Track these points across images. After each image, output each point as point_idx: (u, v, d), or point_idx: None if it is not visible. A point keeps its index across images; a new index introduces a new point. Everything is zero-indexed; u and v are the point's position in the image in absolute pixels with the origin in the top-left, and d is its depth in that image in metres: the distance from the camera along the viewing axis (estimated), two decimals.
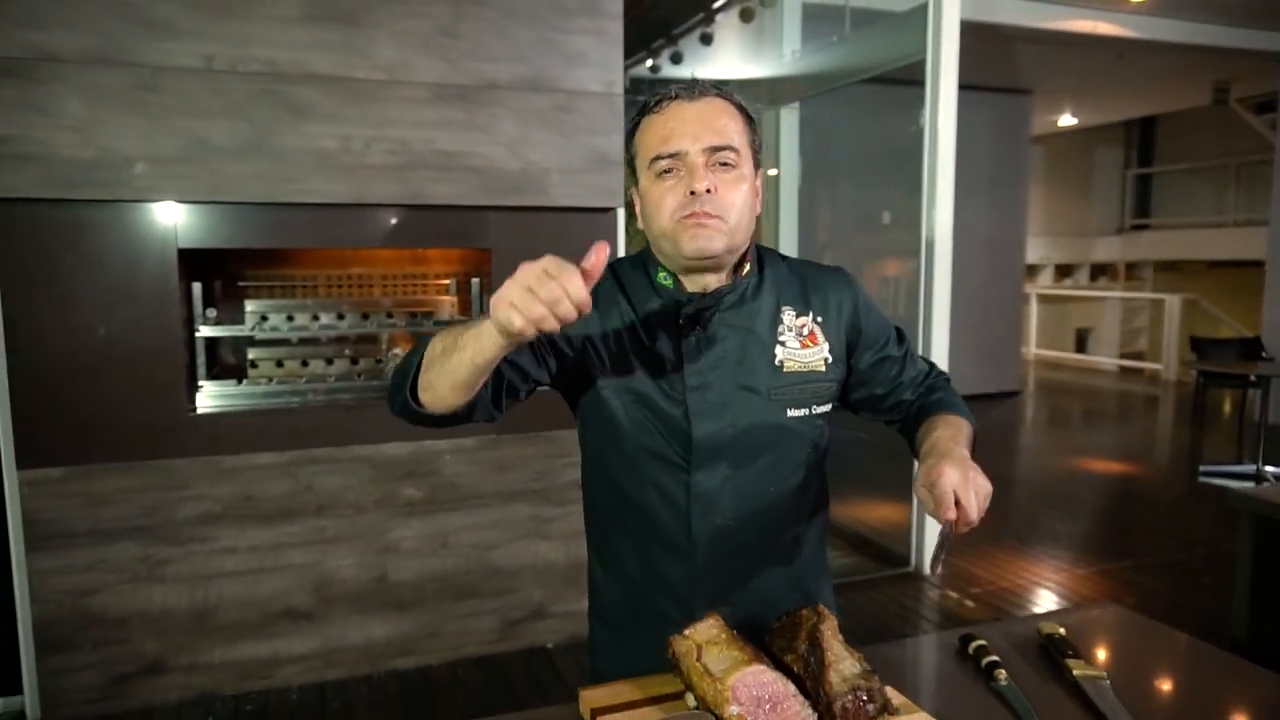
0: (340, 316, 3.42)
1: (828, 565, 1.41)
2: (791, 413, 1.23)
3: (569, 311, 0.92)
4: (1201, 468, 6.08)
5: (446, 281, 3.64)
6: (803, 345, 1.24)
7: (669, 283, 1.23)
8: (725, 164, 1.15)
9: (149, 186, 2.77)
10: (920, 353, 4.16)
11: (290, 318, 3.37)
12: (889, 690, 1.08)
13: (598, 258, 0.94)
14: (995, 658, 1.23)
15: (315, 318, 3.39)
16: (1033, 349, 11.99)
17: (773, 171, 5.53)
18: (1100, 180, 12.81)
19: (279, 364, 3.46)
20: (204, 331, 3.06)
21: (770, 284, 1.26)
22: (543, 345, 1.23)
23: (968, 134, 4.01)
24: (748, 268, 1.24)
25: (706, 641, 1.08)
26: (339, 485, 3.09)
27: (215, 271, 3.28)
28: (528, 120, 3.13)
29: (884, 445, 4.67)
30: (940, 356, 4.17)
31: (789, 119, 5.41)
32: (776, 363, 1.22)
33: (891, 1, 4.54)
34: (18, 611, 2.81)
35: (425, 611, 3.23)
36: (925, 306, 4.16)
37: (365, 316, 3.46)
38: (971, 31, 5.25)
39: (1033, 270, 12.20)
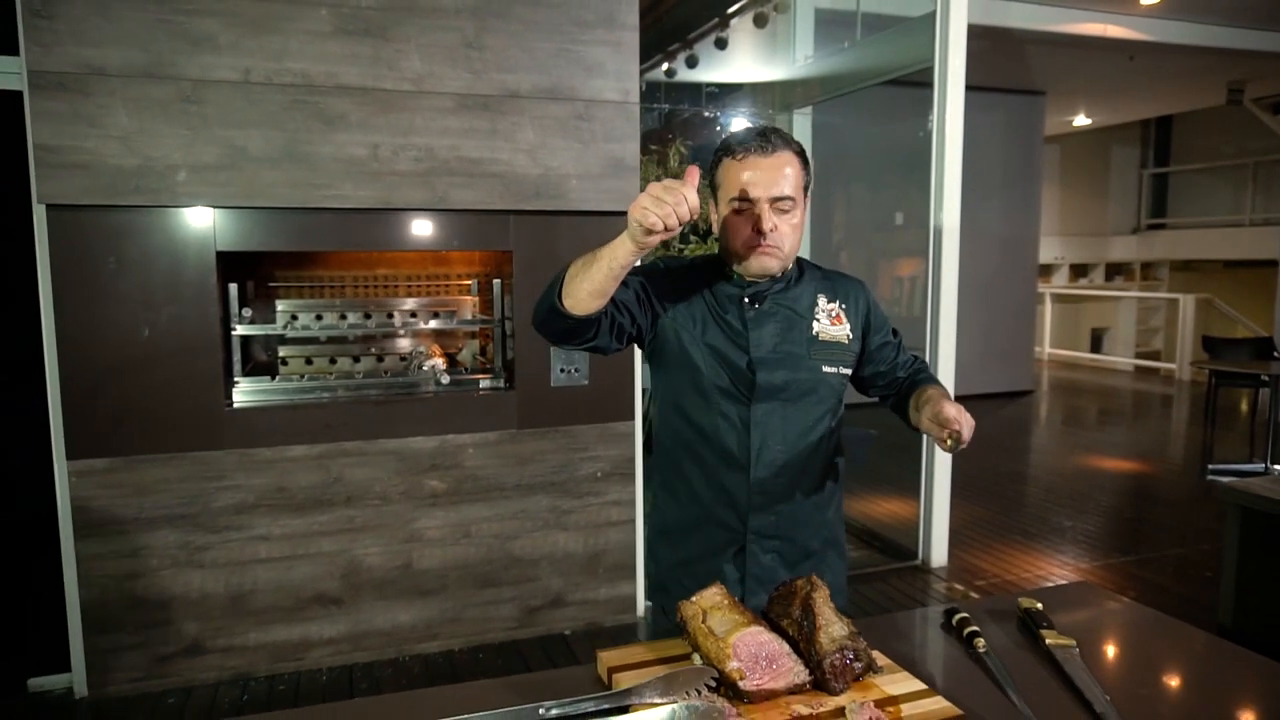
0: (367, 316, 3.57)
1: (843, 535, 1.76)
2: (826, 369, 1.63)
3: (685, 213, 1.27)
4: (1210, 466, 6.14)
5: (469, 282, 3.79)
6: (832, 323, 1.65)
7: (737, 275, 1.63)
8: (784, 210, 1.53)
9: (190, 193, 2.93)
10: (927, 349, 4.26)
11: (319, 317, 3.53)
12: (875, 653, 1.21)
13: (692, 178, 1.29)
14: (975, 628, 1.36)
15: (343, 317, 3.54)
16: (1046, 348, 12.02)
17: None
18: (1116, 180, 12.81)
19: (308, 361, 3.62)
20: (239, 330, 3.22)
21: (808, 280, 1.68)
22: (648, 300, 1.61)
23: (981, 135, 4.11)
24: (789, 267, 1.63)
25: (711, 607, 1.21)
26: (367, 477, 3.24)
27: (249, 273, 3.44)
28: (547, 128, 3.27)
29: (894, 443, 4.78)
30: (947, 355, 4.28)
31: (801, 123, 5.51)
32: (814, 333, 1.63)
33: (903, 6, 4.64)
34: (66, 594, 2.97)
35: (448, 598, 3.38)
36: (933, 305, 4.27)
37: (390, 316, 3.61)
38: (983, 34, 5.35)
39: (1047, 270, 12.22)
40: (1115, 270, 13.13)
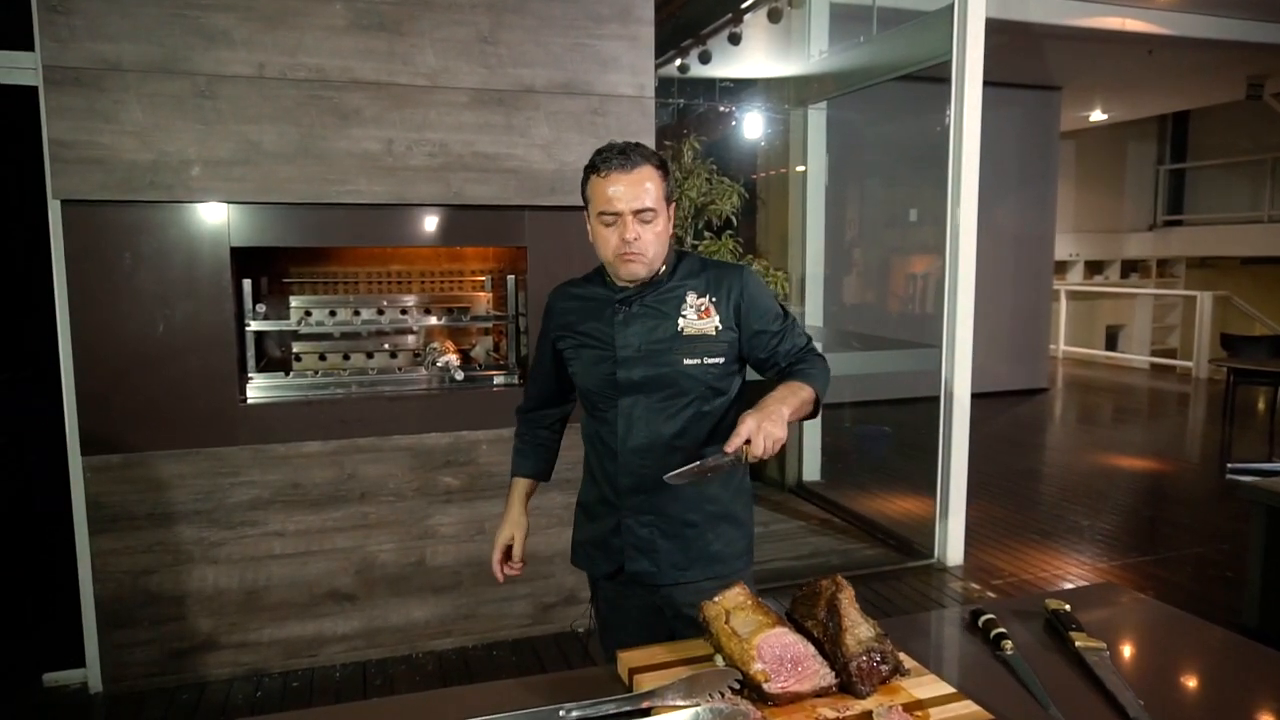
0: (380, 312, 3.57)
1: (740, 508, 1.87)
2: (687, 361, 1.74)
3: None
4: (1229, 465, 6.08)
5: (482, 278, 3.77)
6: (699, 316, 1.75)
7: (609, 281, 1.79)
8: (646, 220, 1.67)
9: (204, 188, 2.92)
10: (944, 346, 4.21)
11: (333, 313, 3.52)
12: (902, 655, 1.18)
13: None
14: (1002, 630, 1.33)
15: (356, 313, 3.54)
16: (1061, 346, 11.93)
17: (799, 169, 5.60)
18: (1132, 176, 12.70)
19: (322, 357, 3.61)
20: (253, 326, 3.21)
21: (680, 278, 1.78)
22: (556, 359, 1.90)
23: (996, 131, 4.07)
24: (662, 269, 1.76)
25: (734, 607, 1.19)
26: (381, 473, 3.23)
27: (263, 269, 3.43)
28: (562, 123, 3.25)
29: (909, 441, 4.74)
30: (964, 352, 4.24)
31: (816, 118, 5.48)
32: (679, 328, 1.74)
33: (918, 0, 4.60)
34: (81, 589, 2.98)
35: (462, 595, 3.37)
36: (949, 303, 4.23)
37: (404, 312, 3.60)
38: (1000, 29, 5.29)
39: (1062, 267, 12.13)
40: (1131, 267, 13.02)
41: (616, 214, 1.65)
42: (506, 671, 3.21)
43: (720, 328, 1.76)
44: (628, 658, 1.24)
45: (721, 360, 1.76)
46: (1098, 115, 10.81)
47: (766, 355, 1.79)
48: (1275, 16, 6.57)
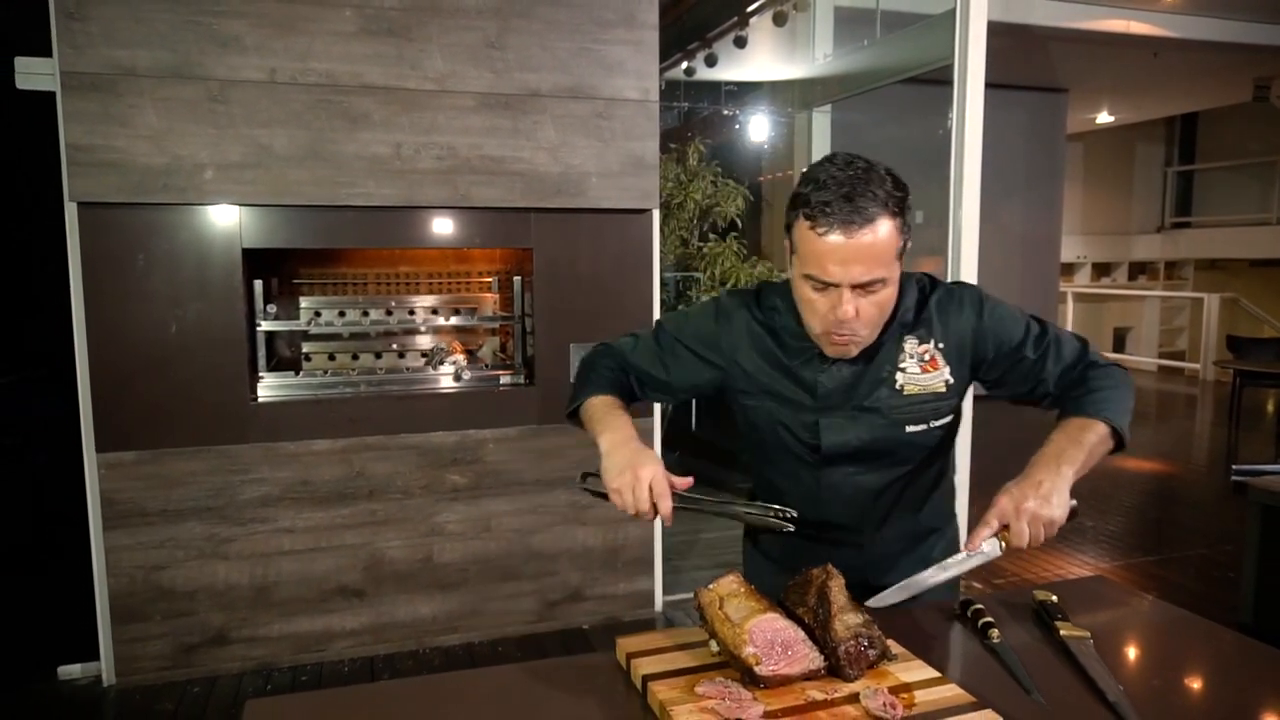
0: (388, 313, 3.62)
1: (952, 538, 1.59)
2: (910, 429, 1.41)
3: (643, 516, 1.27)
4: (1235, 467, 6.08)
5: (489, 279, 3.82)
6: (923, 370, 1.40)
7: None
8: (871, 292, 1.29)
9: (217, 191, 2.98)
10: None
11: (342, 313, 3.58)
12: (890, 642, 1.22)
13: (668, 500, 1.27)
14: (990, 619, 1.37)
15: (365, 314, 3.59)
16: None
17: (804, 171, 5.63)
18: (1140, 178, 12.69)
19: (331, 357, 3.67)
20: (264, 326, 3.27)
21: (898, 320, 1.40)
22: (698, 361, 1.51)
23: (1003, 133, 4.10)
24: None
25: (728, 594, 1.23)
26: (389, 471, 3.28)
27: (273, 270, 3.49)
28: (568, 126, 3.29)
29: None
30: None
31: (821, 121, 5.52)
32: (897, 386, 1.40)
33: (923, 3, 4.63)
34: (95, 584, 3.03)
35: (468, 592, 3.42)
36: None
37: (412, 313, 3.66)
38: (1006, 32, 5.32)
39: (1069, 269, 12.12)
40: (1138, 269, 13.01)
41: (831, 284, 1.28)
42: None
43: (952, 381, 1.41)
44: (626, 643, 1.28)
45: (951, 418, 1.44)
46: (1105, 117, 10.82)
47: (1030, 387, 1.43)
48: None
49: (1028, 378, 1.43)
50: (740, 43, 5.78)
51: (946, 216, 4.29)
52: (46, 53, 2.83)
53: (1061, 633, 1.33)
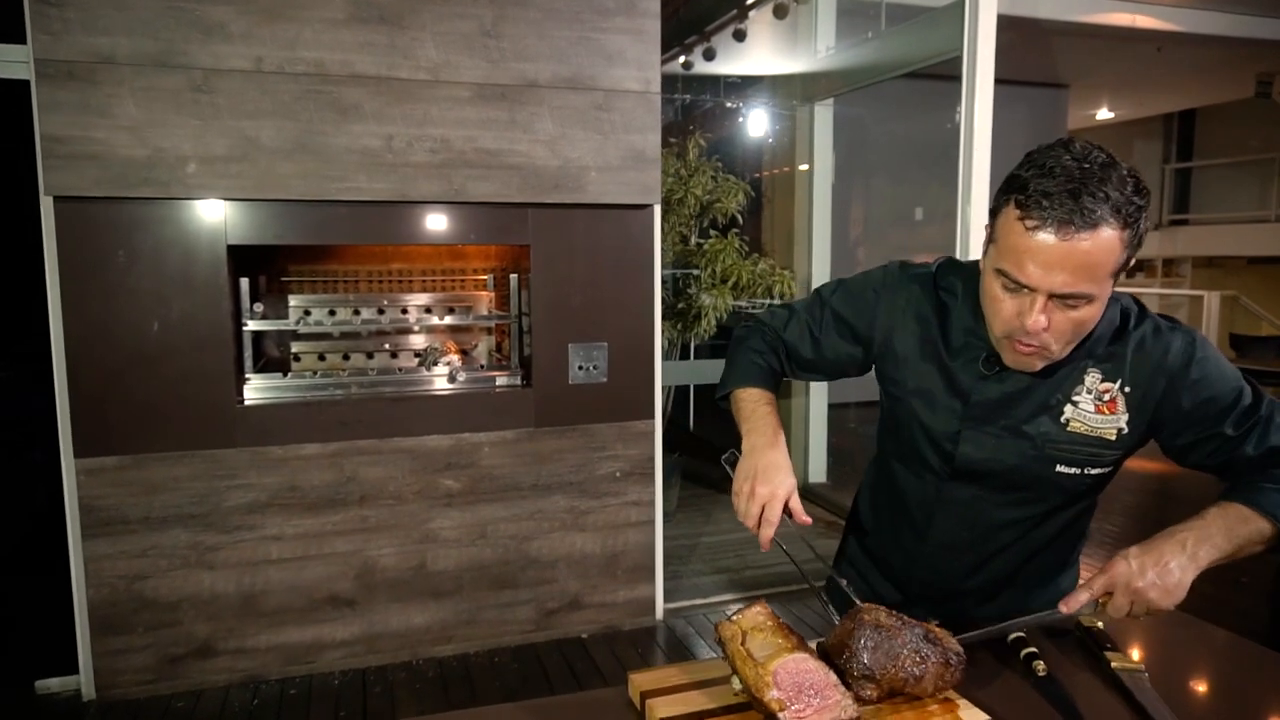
0: (380, 311, 3.50)
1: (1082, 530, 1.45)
2: (1061, 469, 1.26)
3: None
4: None
5: (485, 277, 3.71)
6: (1097, 410, 1.23)
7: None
8: (1069, 306, 1.11)
9: (201, 185, 2.86)
10: None
11: (332, 312, 3.46)
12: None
13: (790, 517, 1.22)
14: (1033, 649, 1.26)
15: (356, 312, 3.47)
16: None
17: (803, 168, 5.53)
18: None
19: (321, 357, 3.55)
20: (251, 325, 3.15)
21: (1092, 342, 1.23)
22: (844, 336, 1.39)
23: (1003, 128, 3.99)
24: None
25: (752, 628, 1.12)
26: (381, 476, 3.16)
27: (261, 267, 3.37)
28: (567, 119, 3.18)
29: None
30: None
31: (823, 115, 5.40)
32: (1062, 419, 1.24)
33: None
34: (74, 595, 2.91)
35: (463, 600, 3.30)
36: None
37: (404, 311, 3.54)
38: (1009, 25, 5.21)
39: None
40: (1137, 266, 12.92)
41: (1025, 287, 1.11)
42: (509, 679, 3.14)
43: (1125, 430, 1.24)
44: (639, 680, 1.17)
45: (1109, 470, 1.29)
46: (1104, 113, 10.74)
47: (1218, 462, 1.25)
48: None
49: (1215, 455, 1.25)
50: (739, 36, 5.66)
51: (951, 212, 4.19)
52: (20, 39, 2.70)
53: (1113, 665, 1.22)
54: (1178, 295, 11.91)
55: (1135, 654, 1.26)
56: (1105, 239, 1.06)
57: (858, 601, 1.17)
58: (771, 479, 1.19)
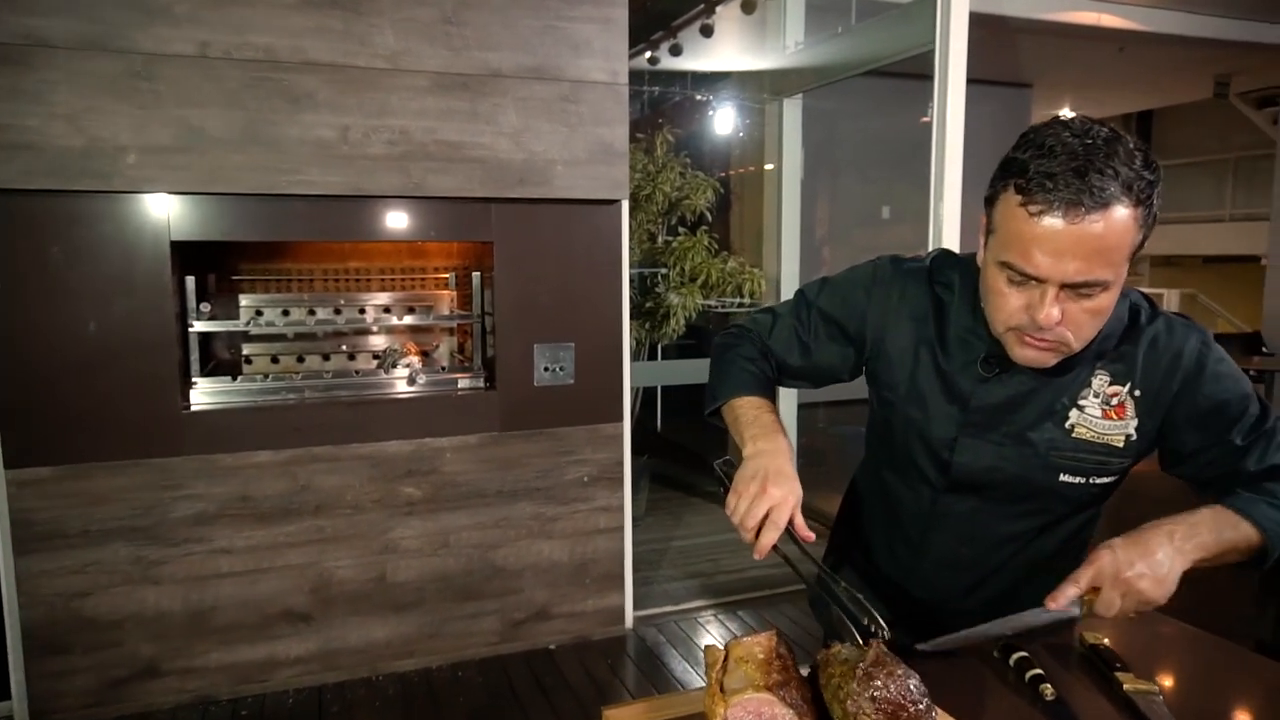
0: (337, 311, 3.36)
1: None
2: (1065, 478, 1.18)
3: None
4: None
5: (446, 275, 3.57)
6: (1105, 415, 1.15)
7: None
8: (1084, 296, 1.02)
9: (142, 177, 2.69)
10: None
11: (286, 312, 3.30)
12: (938, 713, 1.02)
13: (789, 530, 1.07)
14: (1039, 671, 1.17)
15: (311, 312, 3.33)
16: None
17: (769, 166, 5.45)
18: None
19: (274, 360, 3.39)
20: (197, 326, 2.98)
21: (1097, 343, 1.13)
22: (833, 339, 1.29)
23: (968, 127, 3.95)
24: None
25: (739, 657, 1.01)
26: (338, 484, 3.02)
27: (209, 265, 3.20)
28: (532, 110, 3.05)
29: None
30: None
31: (791, 111, 5.33)
32: (1067, 425, 1.16)
33: None
34: (6, 615, 2.73)
35: (426, 613, 3.17)
36: None
37: (362, 311, 3.39)
38: (977, 22, 5.18)
39: None
40: None
41: (1033, 279, 1.02)
42: (473, 693, 3.01)
43: (1134, 437, 1.16)
44: (614, 716, 1.06)
45: (1115, 479, 1.22)
46: (1066, 113, 10.77)
47: (1217, 474, 1.19)
48: (1245, 13, 6.56)
49: (1215, 465, 1.18)
50: (707, 31, 5.57)
51: (922, 211, 4.13)
52: None
53: (1125, 687, 1.14)
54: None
55: (1148, 674, 1.17)
56: (1118, 219, 0.97)
57: (852, 626, 1.05)
58: (782, 484, 1.07)
